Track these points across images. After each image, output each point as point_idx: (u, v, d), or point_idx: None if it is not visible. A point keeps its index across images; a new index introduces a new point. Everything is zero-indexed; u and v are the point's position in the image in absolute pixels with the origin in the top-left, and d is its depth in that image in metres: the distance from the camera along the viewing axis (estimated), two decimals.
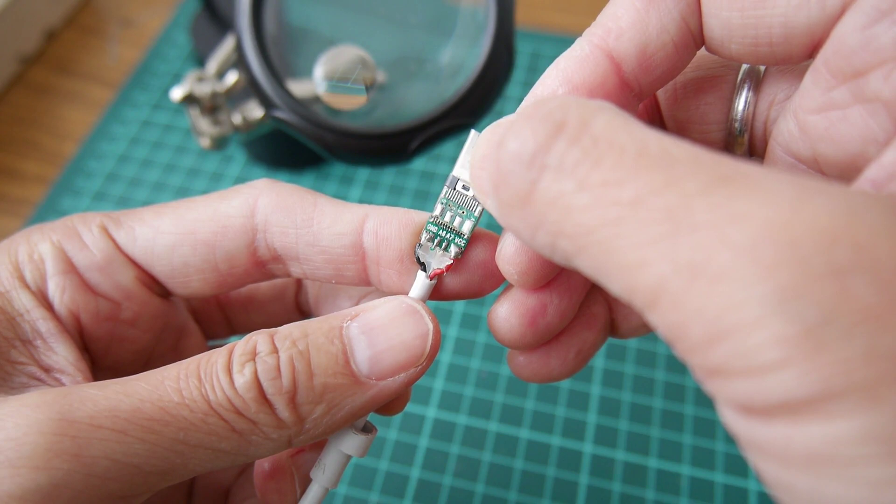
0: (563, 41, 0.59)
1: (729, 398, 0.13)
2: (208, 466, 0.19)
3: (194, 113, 0.41)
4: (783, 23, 0.17)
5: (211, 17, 0.50)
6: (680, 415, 0.42)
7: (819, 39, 0.17)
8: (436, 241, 0.21)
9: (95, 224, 0.23)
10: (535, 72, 0.58)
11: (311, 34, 0.37)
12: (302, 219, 0.22)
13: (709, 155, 0.14)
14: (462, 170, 0.20)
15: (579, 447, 0.41)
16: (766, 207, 0.12)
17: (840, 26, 0.16)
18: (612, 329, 0.24)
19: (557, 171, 0.14)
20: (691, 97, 0.21)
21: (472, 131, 0.20)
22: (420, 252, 0.21)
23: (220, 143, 0.42)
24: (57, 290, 0.22)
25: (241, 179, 0.53)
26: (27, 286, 0.21)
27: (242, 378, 0.18)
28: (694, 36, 0.18)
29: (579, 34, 0.19)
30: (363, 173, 0.53)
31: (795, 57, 0.18)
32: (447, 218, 0.21)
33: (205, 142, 0.41)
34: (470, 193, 0.20)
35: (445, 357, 0.44)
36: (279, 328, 0.20)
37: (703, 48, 0.19)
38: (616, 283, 0.14)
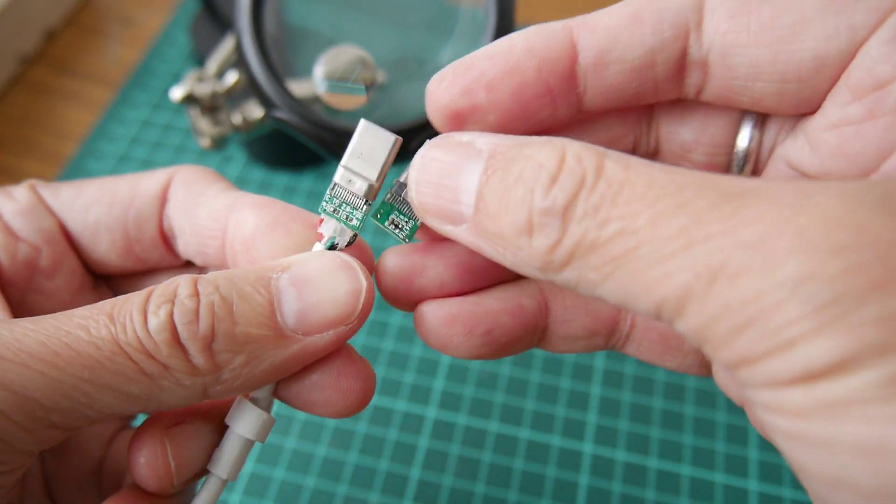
0: None
1: (758, 381, 0.14)
2: (116, 410, 0.18)
3: (194, 113, 0.41)
4: (814, 56, 0.17)
5: (211, 17, 0.50)
6: (680, 415, 0.42)
7: (845, 70, 0.17)
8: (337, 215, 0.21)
9: (26, 184, 0.25)
10: None
11: (311, 34, 0.37)
12: (195, 191, 0.24)
13: (713, 177, 0.15)
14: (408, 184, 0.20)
15: (579, 447, 0.41)
16: (772, 210, 0.14)
17: (868, 43, 0.17)
18: (542, 337, 0.23)
19: (582, 216, 0.16)
20: (700, 119, 0.21)
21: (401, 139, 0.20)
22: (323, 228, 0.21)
23: (220, 143, 0.42)
24: None
25: (241, 179, 0.53)
26: None
27: (156, 319, 0.18)
28: (657, 76, 0.19)
29: None
30: None
31: (818, 95, 0.18)
32: (388, 222, 0.21)
33: (205, 142, 0.41)
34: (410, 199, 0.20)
35: (445, 357, 0.44)
36: (207, 274, 0.20)
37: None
38: (643, 301, 0.15)
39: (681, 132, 0.21)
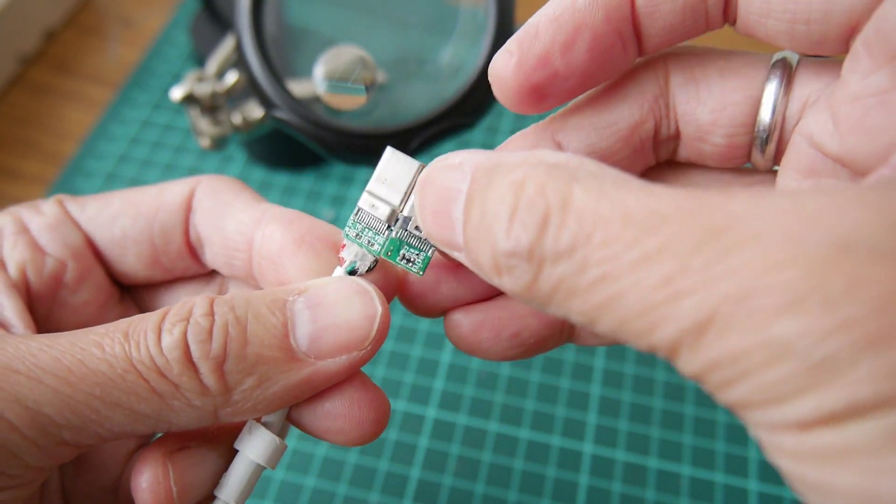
0: None
1: (754, 422, 0.14)
2: (128, 429, 0.18)
3: (194, 113, 0.41)
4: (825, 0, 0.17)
5: (211, 17, 0.50)
6: (680, 415, 0.42)
7: (857, 22, 0.17)
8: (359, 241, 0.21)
9: (54, 199, 0.24)
10: None
11: (311, 34, 0.37)
12: (222, 201, 0.24)
13: (695, 202, 0.14)
14: (411, 209, 0.20)
15: (579, 447, 0.41)
16: (758, 257, 0.13)
17: (883, 6, 0.16)
18: (571, 333, 0.23)
19: (555, 258, 0.15)
20: (716, 97, 0.21)
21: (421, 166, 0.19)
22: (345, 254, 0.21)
23: (220, 143, 0.42)
24: (9, 248, 0.22)
25: (240, 179, 0.53)
26: None
27: (170, 337, 0.18)
28: (708, 8, 0.18)
29: None
30: (363, 173, 0.53)
31: (831, 40, 0.17)
32: (399, 256, 0.21)
33: (205, 142, 0.42)
34: (423, 235, 0.20)
35: (445, 357, 0.44)
36: (225, 295, 0.19)
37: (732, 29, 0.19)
38: (635, 343, 0.15)
39: (697, 113, 0.20)
